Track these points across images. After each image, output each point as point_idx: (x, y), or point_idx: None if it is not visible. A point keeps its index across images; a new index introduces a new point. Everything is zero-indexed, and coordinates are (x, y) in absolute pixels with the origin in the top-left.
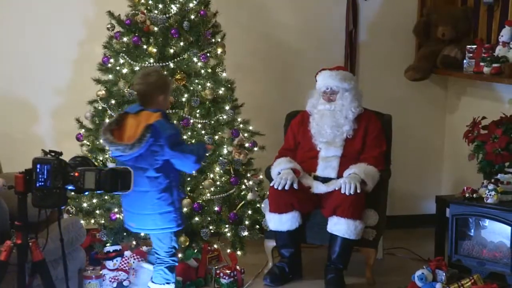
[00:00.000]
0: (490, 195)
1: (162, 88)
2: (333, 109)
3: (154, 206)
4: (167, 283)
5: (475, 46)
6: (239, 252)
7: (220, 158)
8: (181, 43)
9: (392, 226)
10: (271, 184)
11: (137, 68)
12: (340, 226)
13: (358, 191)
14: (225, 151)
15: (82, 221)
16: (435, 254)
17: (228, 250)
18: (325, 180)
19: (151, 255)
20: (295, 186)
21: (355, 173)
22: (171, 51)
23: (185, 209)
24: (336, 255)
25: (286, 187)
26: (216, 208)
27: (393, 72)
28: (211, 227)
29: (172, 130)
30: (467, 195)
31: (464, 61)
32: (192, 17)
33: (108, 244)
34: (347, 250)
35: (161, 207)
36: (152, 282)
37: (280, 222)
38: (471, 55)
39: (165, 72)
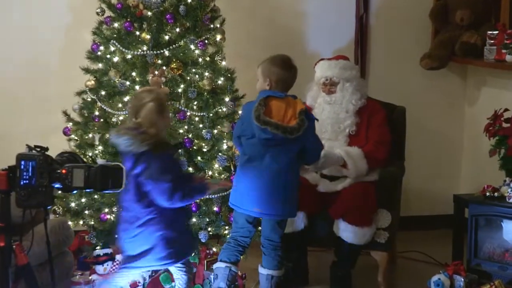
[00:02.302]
0: None
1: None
2: (333, 101)
3: (293, 191)
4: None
5: (496, 31)
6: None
7: (219, 154)
8: (177, 29)
9: (406, 227)
10: None
11: (129, 56)
12: (347, 234)
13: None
14: (224, 147)
15: (70, 222)
16: (453, 258)
17: None
18: (332, 178)
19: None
20: None
21: (329, 151)
22: (166, 37)
23: None
24: (343, 258)
25: None
26: (215, 209)
27: (407, 61)
28: (209, 229)
29: None
30: (487, 194)
31: (485, 48)
32: (189, 0)
33: (98, 247)
34: (355, 254)
35: (293, 191)
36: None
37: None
38: (492, 41)
39: (159, 61)
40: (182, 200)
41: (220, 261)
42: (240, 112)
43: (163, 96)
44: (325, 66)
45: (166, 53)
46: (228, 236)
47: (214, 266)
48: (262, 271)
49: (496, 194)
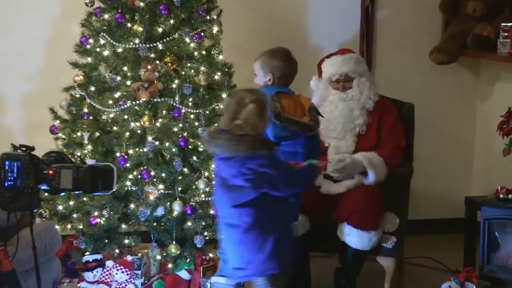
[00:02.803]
0: None
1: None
2: (349, 97)
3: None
4: None
5: (510, 23)
6: None
7: None
8: (171, 21)
9: (414, 231)
10: None
11: (120, 50)
12: (352, 238)
13: (336, 175)
14: None
15: (57, 226)
16: (465, 264)
17: None
18: (336, 179)
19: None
20: None
21: (354, 157)
22: (160, 30)
23: (176, 212)
24: (348, 264)
25: None
26: (211, 212)
27: (416, 54)
28: (206, 233)
29: None
30: (501, 196)
31: (498, 41)
32: None
33: (87, 253)
34: (360, 259)
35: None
36: None
37: None
38: (506, 34)
39: (152, 55)
40: (301, 190)
41: (221, 276)
42: None
43: (264, 96)
44: (337, 62)
45: (160, 46)
46: None
47: (213, 279)
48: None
49: (510, 196)
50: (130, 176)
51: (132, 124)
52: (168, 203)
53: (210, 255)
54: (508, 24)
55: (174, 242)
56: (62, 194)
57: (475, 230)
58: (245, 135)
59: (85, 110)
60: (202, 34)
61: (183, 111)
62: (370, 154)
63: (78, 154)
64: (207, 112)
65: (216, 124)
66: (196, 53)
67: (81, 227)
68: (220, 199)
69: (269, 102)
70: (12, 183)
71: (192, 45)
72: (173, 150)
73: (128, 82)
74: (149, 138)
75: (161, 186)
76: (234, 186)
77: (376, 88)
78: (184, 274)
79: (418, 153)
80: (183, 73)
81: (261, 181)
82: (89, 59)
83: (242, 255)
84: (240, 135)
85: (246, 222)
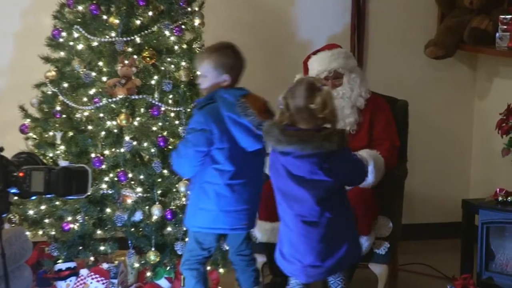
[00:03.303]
0: None
1: None
2: (340, 95)
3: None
4: None
5: (510, 16)
6: (221, 270)
7: None
8: (150, 13)
9: (409, 236)
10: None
11: (95, 44)
12: None
13: None
14: None
15: (27, 232)
16: (461, 270)
17: (208, 268)
18: None
19: None
20: None
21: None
22: (137, 22)
23: (155, 217)
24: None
25: None
26: None
27: (410, 49)
28: (187, 239)
29: None
30: (500, 198)
31: (497, 34)
32: None
33: (59, 261)
34: (351, 266)
35: None
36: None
37: (272, 232)
38: (505, 27)
39: (130, 49)
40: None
41: None
42: None
43: None
44: (326, 58)
45: (137, 40)
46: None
47: None
48: None
49: (509, 198)
50: (106, 179)
51: (108, 123)
52: (147, 207)
53: None
54: (507, 16)
55: (153, 249)
56: (33, 197)
57: (473, 235)
58: (328, 128)
59: (58, 108)
60: (183, 26)
61: (162, 109)
62: (374, 153)
63: (50, 155)
64: (188, 110)
65: (274, 119)
66: (176, 47)
67: (53, 233)
68: (295, 196)
69: (240, 107)
70: None
71: (172, 38)
72: (152, 150)
73: (104, 78)
74: (126, 138)
75: (139, 189)
76: (315, 181)
77: (367, 84)
78: (164, 283)
79: (412, 153)
80: (162, 68)
81: (343, 174)
82: (62, 54)
83: (322, 251)
84: (320, 129)
85: (328, 217)
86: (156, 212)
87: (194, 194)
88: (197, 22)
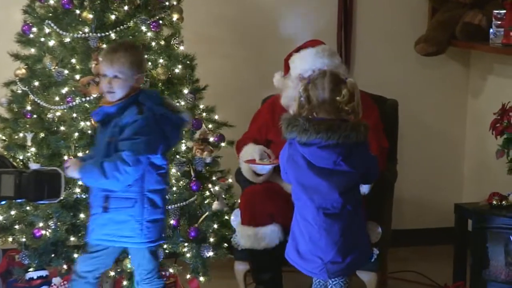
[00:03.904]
0: None
1: None
2: None
3: None
4: None
5: (504, 11)
6: (202, 278)
7: (177, 156)
8: (125, 7)
9: (399, 243)
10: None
11: (67, 40)
12: None
13: None
14: (183, 148)
15: None
16: (454, 278)
17: (188, 276)
18: None
19: None
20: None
21: None
22: (112, 17)
23: None
24: None
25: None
26: (172, 222)
27: (400, 45)
28: (165, 246)
29: None
30: (494, 202)
31: (491, 30)
32: None
33: (31, 269)
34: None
35: None
36: None
37: (256, 238)
38: (499, 22)
39: (104, 46)
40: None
41: None
42: (201, 106)
43: None
44: (309, 56)
45: (112, 35)
46: (187, 255)
47: None
48: None
49: (504, 203)
50: (80, 182)
51: (82, 123)
52: None
53: (171, 270)
54: (501, 11)
55: (129, 256)
56: (3, 202)
57: (466, 241)
58: (353, 121)
59: (28, 107)
60: (161, 22)
61: None
62: None
63: (21, 157)
64: None
65: (292, 112)
66: (153, 44)
67: (24, 240)
68: (317, 188)
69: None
70: None
71: (149, 34)
72: None
73: (77, 76)
74: None
75: None
76: (339, 172)
77: None
78: None
79: (402, 155)
80: None
81: (364, 168)
82: (33, 50)
83: (343, 246)
84: (344, 120)
85: (349, 210)
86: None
87: None
88: (175, 17)
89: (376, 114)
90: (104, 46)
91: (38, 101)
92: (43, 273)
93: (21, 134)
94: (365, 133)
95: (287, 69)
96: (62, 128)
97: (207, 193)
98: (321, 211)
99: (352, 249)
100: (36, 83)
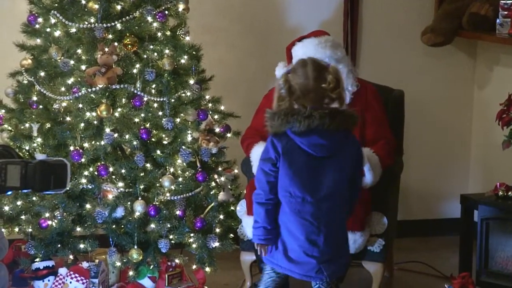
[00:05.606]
0: None
1: None
2: None
3: None
4: None
5: (511, 1)
6: (207, 269)
7: (183, 147)
8: None
9: (405, 234)
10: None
11: (73, 30)
12: None
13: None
14: (189, 138)
15: (3, 230)
16: (460, 269)
17: (194, 266)
18: None
19: None
20: None
21: None
22: (118, 8)
23: (137, 213)
24: None
25: None
26: (178, 212)
27: (406, 35)
28: (171, 237)
29: None
30: (500, 193)
31: (497, 20)
32: None
33: (37, 259)
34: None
35: None
36: None
37: None
38: (506, 13)
39: (110, 36)
40: None
41: None
42: (207, 97)
43: None
44: (312, 46)
45: (118, 26)
46: (193, 246)
47: None
48: None
49: (510, 193)
50: (86, 173)
51: (88, 114)
52: (129, 203)
53: (177, 261)
54: (508, 1)
55: (135, 247)
56: (9, 193)
57: (472, 232)
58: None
59: (34, 98)
60: (166, 12)
61: (145, 99)
62: (367, 152)
63: (27, 148)
64: (172, 100)
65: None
66: (159, 34)
67: (30, 230)
68: (314, 180)
69: None
70: None
71: (155, 24)
72: (134, 143)
73: (83, 67)
74: (107, 130)
75: (120, 184)
76: (336, 162)
77: (355, 75)
78: (147, 283)
79: (408, 146)
80: (145, 56)
81: (359, 161)
82: (38, 41)
83: (338, 243)
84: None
85: (343, 203)
86: (138, 208)
87: None
88: (181, 7)
89: (380, 108)
90: (110, 36)
91: (44, 92)
92: (49, 263)
93: (27, 125)
94: (356, 121)
95: (289, 57)
96: (68, 118)
97: (213, 183)
98: (316, 205)
99: (346, 251)
100: (42, 74)
